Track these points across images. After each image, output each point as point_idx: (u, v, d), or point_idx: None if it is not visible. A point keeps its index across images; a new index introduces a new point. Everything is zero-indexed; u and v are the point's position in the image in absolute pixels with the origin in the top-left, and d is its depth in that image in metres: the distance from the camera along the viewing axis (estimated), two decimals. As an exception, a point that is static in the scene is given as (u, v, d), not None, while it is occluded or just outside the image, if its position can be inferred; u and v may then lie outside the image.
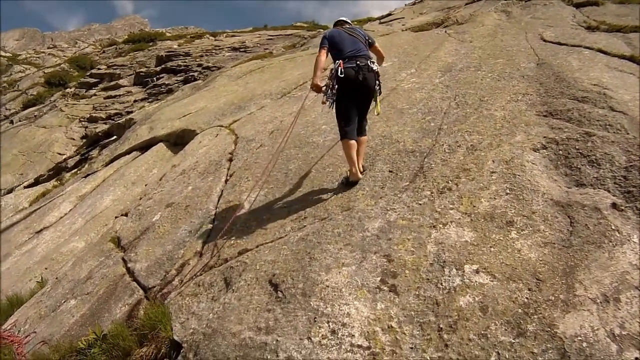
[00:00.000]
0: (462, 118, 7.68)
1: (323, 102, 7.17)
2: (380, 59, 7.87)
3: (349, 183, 6.98)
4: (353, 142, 6.78)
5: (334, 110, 7.08)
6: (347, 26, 7.58)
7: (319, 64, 7.01)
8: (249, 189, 8.16)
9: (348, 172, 7.04)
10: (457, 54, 11.59)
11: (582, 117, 6.76)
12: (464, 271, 4.69)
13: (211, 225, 7.81)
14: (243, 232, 6.97)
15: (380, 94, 7.19)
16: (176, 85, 32.43)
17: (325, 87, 7.05)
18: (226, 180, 9.17)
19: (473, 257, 4.82)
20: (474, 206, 5.52)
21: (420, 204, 5.85)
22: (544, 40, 11.07)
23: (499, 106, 7.74)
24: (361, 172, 6.94)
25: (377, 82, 7.02)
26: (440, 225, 5.36)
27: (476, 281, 4.55)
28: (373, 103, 7.16)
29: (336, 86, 6.80)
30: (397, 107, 8.97)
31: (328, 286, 5.02)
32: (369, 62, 6.89)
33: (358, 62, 6.78)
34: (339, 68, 6.73)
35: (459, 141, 6.99)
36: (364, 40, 7.25)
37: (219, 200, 8.51)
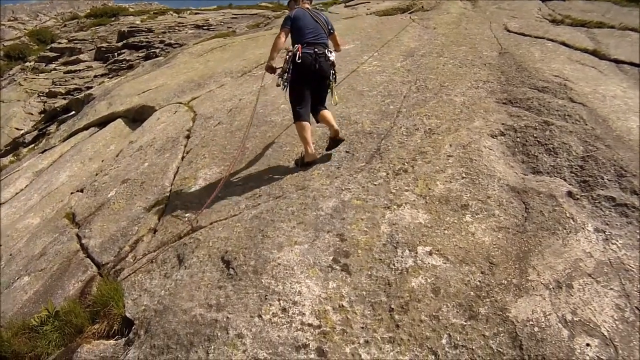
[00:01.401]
0: (421, 102, 7.70)
1: (277, 85, 7.19)
2: (337, 47, 7.91)
3: (304, 164, 6.99)
4: (306, 123, 6.85)
5: (287, 92, 7.15)
6: (308, 6, 7.49)
7: (277, 45, 7.05)
8: (205, 166, 8.12)
9: (303, 153, 7.05)
10: (421, 39, 11.60)
11: (541, 107, 6.84)
12: (416, 253, 4.70)
13: (166, 202, 7.73)
14: (197, 209, 6.89)
15: (335, 83, 7.27)
16: (137, 61, 32.07)
17: (280, 70, 7.09)
18: (182, 157, 9.08)
19: (426, 239, 4.84)
20: (429, 189, 5.54)
21: (375, 185, 5.85)
22: (508, 31, 11.17)
23: (459, 92, 7.79)
24: (338, 136, 6.85)
25: (332, 71, 7.11)
26: (395, 207, 5.37)
27: (429, 263, 4.57)
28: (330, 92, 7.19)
29: (291, 70, 6.85)
30: (357, 89, 8.96)
31: (280, 264, 4.99)
32: (326, 51, 6.95)
33: (316, 50, 6.83)
34: (297, 53, 6.75)
35: (417, 124, 7.01)
36: (325, 27, 7.25)
37: (174, 177, 8.43)
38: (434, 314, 4.10)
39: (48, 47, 47.14)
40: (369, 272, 4.62)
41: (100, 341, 5.74)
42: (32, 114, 35.26)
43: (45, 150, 18.54)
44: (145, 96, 15.23)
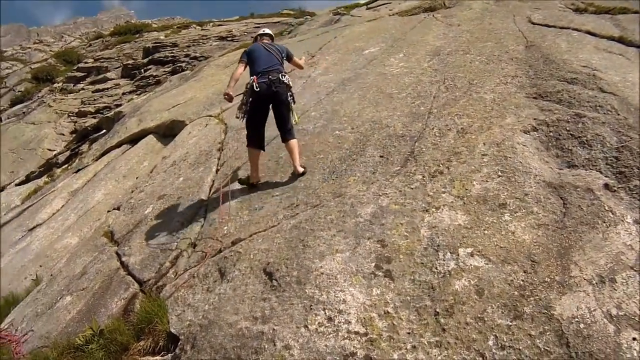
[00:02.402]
0: (451, 101, 7.65)
1: (237, 117, 7.87)
2: (301, 68, 9.06)
3: (249, 184, 7.76)
4: (256, 151, 7.64)
5: (244, 121, 7.81)
6: (267, 41, 8.27)
7: (234, 76, 7.80)
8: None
9: (249, 175, 7.81)
10: (446, 37, 11.55)
11: (572, 99, 6.76)
12: (458, 255, 4.68)
13: (204, 216, 7.77)
14: (236, 221, 6.96)
15: (294, 103, 7.77)
16: (164, 76, 32.31)
17: (240, 103, 7.77)
18: (217, 170, 9.14)
19: (467, 241, 4.82)
20: (466, 189, 5.51)
21: (412, 188, 5.83)
22: (532, 23, 11.03)
23: (489, 89, 7.73)
24: (302, 170, 7.40)
25: (289, 94, 7.64)
26: (433, 209, 5.35)
27: (471, 264, 4.55)
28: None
29: (250, 100, 7.52)
30: (386, 91, 8.92)
31: (323, 273, 5.01)
32: (279, 75, 7.53)
33: (270, 77, 7.44)
34: (254, 83, 7.39)
35: (449, 124, 6.96)
36: (279, 55, 7.91)
37: (210, 191, 8.49)
38: (479, 315, 4.09)
39: (75, 68, 47.67)
40: (412, 277, 4.61)
41: (146, 358, 5.81)
42: (63, 135, 35.65)
43: (79, 170, 18.72)
44: (175, 111, 15.36)
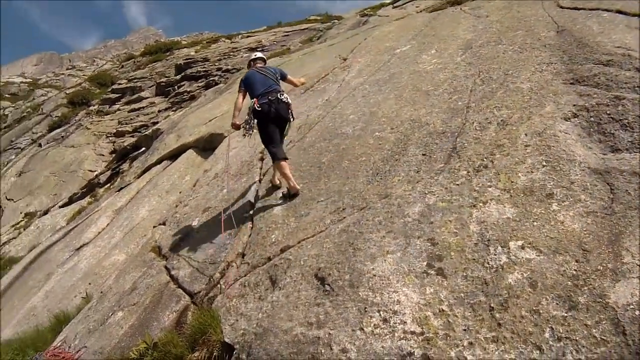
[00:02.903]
0: (489, 94, 7.61)
1: (243, 135, 8.67)
2: (295, 85, 9.64)
3: (291, 196, 7.91)
4: (284, 163, 7.86)
5: (260, 138, 8.44)
6: (260, 65, 8.88)
7: (237, 106, 8.48)
8: (284, 186, 8.17)
9: (287, 188, 7.96)
10: (475, 30, 11.49)
11: (609, 81, 6.66)
12: (509, 248, 4.65)
13: (250, 225, 7.84)
14: (283, 229, 7.00)
15: (293, 120, 8.50)
16: (198, 91, 32.67)
17: (244, 123, 8.38)
18: (260, 180, 9.21)
19: (517, 233, 4.79)
20: (512, 182, 5.47)
21: (458, 185, 5.81)
22: (561, 7, 10.88)
23: (525, 78, 7.67)
24: (276, 185, 8.39)
25: (289, 111, 8.29)
26: (481, 204, 5.32)
27: (522, 257, 4.52)
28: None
29: (255, 120, 8.20)
30: (422, 89, 8.90)
31: (375, 275, 5.01)
32: (278, 95, 8.14)
33: (270, 97, 8.06)
34: (255, 105, 8.04)
35: (488, 117, 6.93)
36: (274, 77, 8.48)
37: (255, 200, 8.54)
38: (534, 308, 4.05)
39: (109, 89, 48.47)
40: (465, 274, 4.59)
41: (202, 368, 5.84)
42: (103, 155, 36.22)
43: (122, 188, 19.00)
44: (212, 124, 15.52)
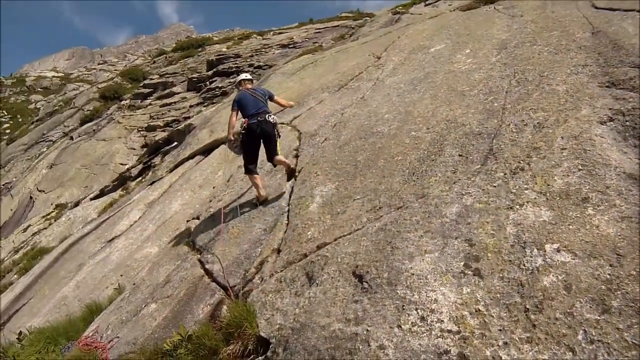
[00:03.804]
0: (524, 96, 7.62)
1: (233, 152, 10.07)
2: (283, 106, 10.81)
3: (260, 202, 9.19)
4: (256, 175, 9.26)
5: (242, 153, 9.56)
6: (250, 86, 10.03)
7: (230, 124, 9.64)
8: (319, 184, 8.27)
9: (257, 196, 9.31)
10: (510, 29, 11.47)
11: (645, 85, 6.63)
12: (545, 251, 4.67)
13: (286, 222, 7.94)
14: (319, 226, 7.08)
15: (279, 137, 9.44)
16: (230, 87, 32.80)
17: (235, 139, 9.60)
18: (295, 177, 9.29)
19: (553, 236, 4.81)
20: (548, 185, 5.49)
21: (495, 186, 5.83)
22: (596, 8, 10.81)
23: (560, 80, 7.66)
24: (290, 169, 9.42)
25: (274, 129, 9.27)
26: (517, 206, 5.35)
27: (558, 260, 4.54)
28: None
29: (245, 138, 9.29)
30: (458, 89, 8.93)
31: (413, 274, 5.07)
32: (266, 116, 9.18)
33: (259, 118, 9.14)
34: (245, 125, 9.19)
35: (524, 120, 6.94)
36: (264, 98, 9.59)
37: (290, 197, 8.64)
38: (568, 310, 4.08)
39: (141, 84, 48.92)
40: (501, 275, 4.63)
41: (237, 361, 5.94)
42: (134, 149, 36.56)
43: (154, 182, 19.13)
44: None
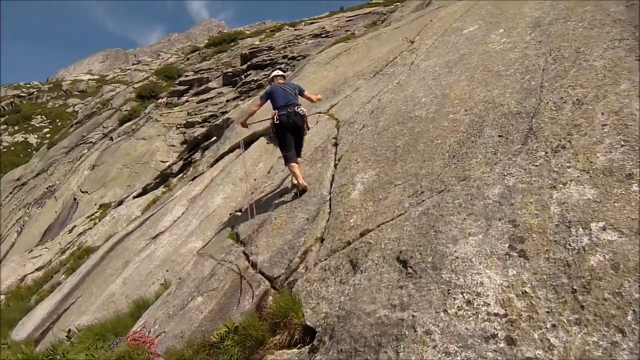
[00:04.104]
0: (562, 73, 7.48)
1: (267, 142, 11.14)
2: (311, 100, 10.90)
3: (300, 192, 9.34)
4: (294, 164, 9.50)
5: (278, 144, 10.12)
6: (281, 81, 10.58)
7: (250, 110, 10.67)
8: (360, 171, 8.28)
9: (295, 185, 9.50)
10: (543, 6, 11.24)
11: (683, 57, 6.48)
12: (590, 229, 4.57)
13: (328, 210, 7.98)
14: (362, 213, 7.10)
15: (308, 130, 10.16)
16: (265, 80, 32.89)
17: (270, 130, 10.44)
18: (335, 165, 9.32)
19: (598, 215, 4.71)
20: (591, 162, 5.39)
21: (536, 166, 5.74)
22: (626, -20, 10.62)
23: (597, 55, 7.50)
24: (304, 190, 9.24)
25: (304, 122, 9.86)
26: (560, 185, 5.26)
27: (604, 239, 4.43)
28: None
29: (275, 130, 9.87)
30: (494, 70, 8.81)
31: (457, 257, 5.03)
32: (296, 108, 9.72)
33: (288, 110, 9.66)
34: (275, 116, 9.70)
35: (563, 97, 6.81)
36: (293, 92, 10.09)
37: (331, 185, 8.68)
38: (616, 290, 3.98)
39: (176, 82, 49.41)
40: (547, 255, 4.56)
41: (283, 351, 6.06)
42: (174, 146, 36.97)
43: (195, 177, 19.32)
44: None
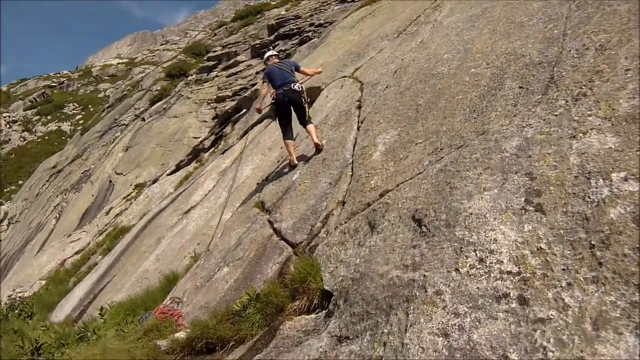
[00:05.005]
0: (585, 19, 7.11)
1: (273, 121, 11.58)
2: (308, 75, 12.26)
3: (290, 167, 10.45)
4: (289, 141, 10.51)
5: (277, 123, 11.00)
6: (277, 60, 11.28)
7: (260, 94, 11.30)
8: (382, 131, 8.18)
9: (289, 160, 10.59)
10: (563, -45, 10.89)
11: None
12: (611, 180, 4.27)
13: (350, 173, 7.95)
14: (382, 174, 7.02)
15: (306, 103, 10.43)
16: (293, 49, 32.83)
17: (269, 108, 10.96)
18: (358, 127, 9.26)
19: (619, 164, 4.40)
20: (613, 109, 5.07)
21: (556, 115, 5.47)
22: None
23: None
24: (320, 146, 9.75)
25: (302, 97, 10.29)
26: (581, 135, 4.97)
27: (625, 190, 4.12)
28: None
29: (274, 108, 10.82)
30: (516, 21, 8.49)
31: (472, 214, 4.85)
32: (292, 85, 10.23)
33: (285, 88, 10.22)
34: (273, 96, 10.39)
35: (586, 44, 6.48)
36: (290, 69, 10.65)
37: (354, 148, 8.64)
38: (637, 246, 3.68)
39: (205, 58, 49.74)
40: (564, 209, 4.30)
41: (301, 317, 6.08)
42: (205, 121, 37.25)
43: (226, 151, 19.49)
44: (309, 79, 15.62)
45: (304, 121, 10.29)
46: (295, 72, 10.83)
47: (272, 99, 10.47)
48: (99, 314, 12.19)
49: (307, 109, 10.36)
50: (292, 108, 10.41)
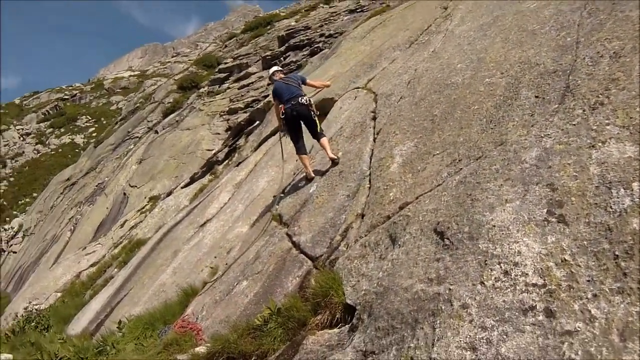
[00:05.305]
0: (597, 26, 7.12)
1: (282, 136, 12.11)
2: (316, 87, 12.65)
3: (307, 180, 10.43)
4: (304, 155, 10.47)
5: (289, 138, 10.87)
6: (282, 75, 11.29)
7: (275, 113, 11.12)
8: (398, 143, 8.18)
9: (306, 174, 10.54)
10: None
11: None
12: (632, 190, 4.26)
13: (368, 185, 7.93)
14: (401, 186, 7.02)
15: (316, 116, 10.35)
16: (304, 60, 32.91)
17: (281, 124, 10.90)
18: (374, 139, 9.23)
19: None
20: (631, 117, 5.05)
21: (574, 125, 5.46)
22: None
23: (633, 5, 7.10)
24: (336, 160, 9.72)
25: (310, 110, 10.24)
26: (600, 144, 4.97)
27: None
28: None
29: (284, 123, 10.54)
30: (528, 29, 8.52)
31: (494, 226, 4.86)
32: (299, 99, 10.17)
33: (292, 102, 10.19)
34: (282, 111, 10.30)
35: (600, 51, 6.48)
36: (296, 83, 10.64)
37: (371, 160, 8.63)
38: None
39: (216, 70, 49.90)
40: (587, 220, 4.30)
41: (324, 331, 6.05)
42: (218, 134, 37.32)
43: (240, 163, 19.49)
44: (322, 90, 15.67)
45: (317, 134, 10.25)
46: (303, 86, 10.83)
47: (282, 115, 10.40)
48: (117, 327, 12.20)
49: (317, 122, 10.33)
50: (302, 122, 10.41)
